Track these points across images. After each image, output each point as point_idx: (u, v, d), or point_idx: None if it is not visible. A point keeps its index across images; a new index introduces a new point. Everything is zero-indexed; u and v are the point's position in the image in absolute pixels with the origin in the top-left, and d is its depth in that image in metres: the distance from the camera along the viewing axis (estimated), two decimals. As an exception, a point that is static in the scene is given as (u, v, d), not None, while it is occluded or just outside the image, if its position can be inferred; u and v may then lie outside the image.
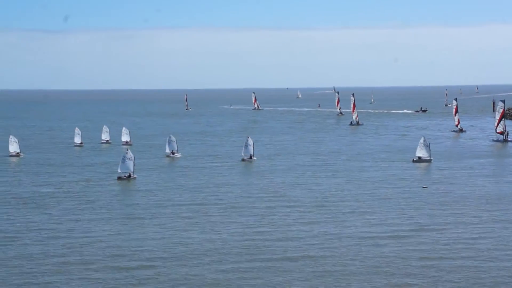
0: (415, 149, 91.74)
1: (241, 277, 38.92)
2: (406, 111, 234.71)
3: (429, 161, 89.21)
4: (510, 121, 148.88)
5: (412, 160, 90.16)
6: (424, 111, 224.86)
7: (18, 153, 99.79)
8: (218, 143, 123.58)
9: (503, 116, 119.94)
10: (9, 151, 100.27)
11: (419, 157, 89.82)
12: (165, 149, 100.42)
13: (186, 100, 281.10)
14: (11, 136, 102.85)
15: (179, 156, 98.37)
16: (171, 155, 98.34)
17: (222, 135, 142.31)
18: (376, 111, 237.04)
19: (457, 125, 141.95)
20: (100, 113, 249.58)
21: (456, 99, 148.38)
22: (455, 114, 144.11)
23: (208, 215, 55.81)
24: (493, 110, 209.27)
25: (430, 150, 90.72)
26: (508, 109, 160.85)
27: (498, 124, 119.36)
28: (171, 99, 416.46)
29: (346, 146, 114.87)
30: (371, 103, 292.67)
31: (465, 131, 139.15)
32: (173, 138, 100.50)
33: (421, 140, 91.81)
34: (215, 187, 70.19)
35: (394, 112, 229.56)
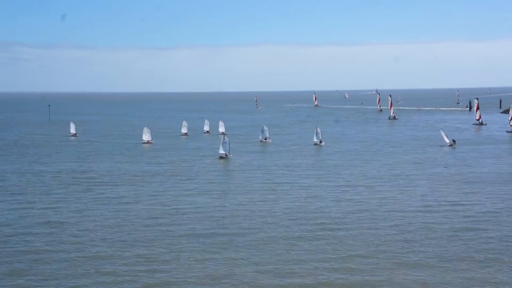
0: (440, 138, 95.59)
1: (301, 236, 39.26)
2: (455, 108, 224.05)
3: (452, 146, 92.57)
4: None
5: (440, 146, 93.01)
6: (471, 108, 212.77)
7: (149, 141, 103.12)
8: (287, 132, 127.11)
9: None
10: (142, 139, 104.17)
11: (450, 143, 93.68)
12: (258, 136, 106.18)
13: (256, 101, 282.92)
14: (145, 128, 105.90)
15: (270, 141, 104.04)
16: (264, 140, 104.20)
17: (288, 126, 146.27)
18: (419, 108, 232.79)
19: (478, 119, 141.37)
20: (192, 110, 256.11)
21: (477, 98, 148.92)
22: (477, 110, 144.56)
23: (285, 189, 56.93)
24: (499, 107, 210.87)
25: (450, 138, 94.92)
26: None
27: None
28: (244, 100, 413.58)
29: (384, 135, 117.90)
30: (397, 101, 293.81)
31: (485, 124, 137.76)
32: (265, 128, 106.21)
33: (442, 132, 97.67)
34: (299, 165, 73.89)
35: (425, 109, 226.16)
